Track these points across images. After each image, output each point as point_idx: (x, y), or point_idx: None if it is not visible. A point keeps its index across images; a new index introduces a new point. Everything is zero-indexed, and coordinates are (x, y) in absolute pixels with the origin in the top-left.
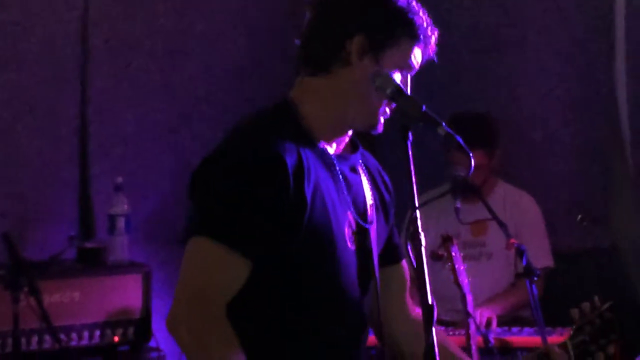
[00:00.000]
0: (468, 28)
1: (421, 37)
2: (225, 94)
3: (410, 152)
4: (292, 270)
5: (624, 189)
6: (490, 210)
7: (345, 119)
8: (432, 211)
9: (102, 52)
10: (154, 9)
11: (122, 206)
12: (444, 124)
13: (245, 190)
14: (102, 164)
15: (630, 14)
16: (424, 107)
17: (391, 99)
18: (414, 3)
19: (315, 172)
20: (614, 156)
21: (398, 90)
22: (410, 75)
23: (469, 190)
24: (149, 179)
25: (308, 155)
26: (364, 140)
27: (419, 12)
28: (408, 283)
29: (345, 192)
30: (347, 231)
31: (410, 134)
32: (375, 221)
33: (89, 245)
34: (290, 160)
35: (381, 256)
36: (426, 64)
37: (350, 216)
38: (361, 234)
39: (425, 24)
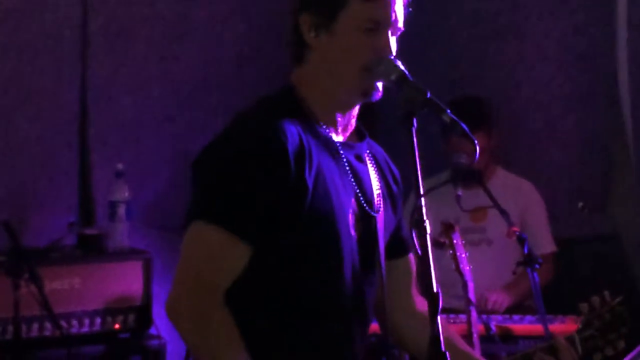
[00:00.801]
0: (468, 14)
1: None
2: (224, 81)
3: (415, 139)
4: (293, 255)
5: (625, 176)
6: (491, 197)
7: (335, 98)
8: (432, 198)
9: (101, 39)
10: None
11: (122, 193)
12: (448, 110)
13: (245, 175)
14: (102, 151)
15: (631, 1)
16: (428, 94)
17: (395, 85)
18: None
19: (318, 158)
20: (614, 144)
21: (402, 76)
22: (395, 33)
23: (470, 177)
24: (148, 166)
25: (310, 141)
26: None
27: None
28: (414, 276)
29: (351, 179)
30: (351, 218)
31: (415, 121)
32: (382, 210)
33: (89, 231)
34: (291, 146)
35: (388, 248)
36: (424, 51)
37: (354, 203)
38: (366, 221)
39: None
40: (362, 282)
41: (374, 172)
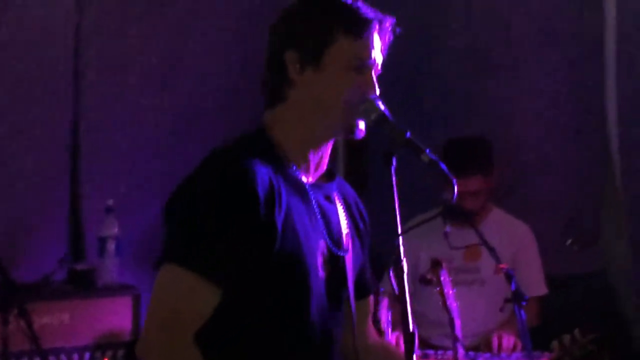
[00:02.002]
0: (460, 50)
1: (359, 29)
2: (218, 114)
3: (394, 179)
4: (262, 297)
5: (615, 212)
6: (480, 235)
7: (316, 136)
8: (425, 235)
9: (95, 70)
10: (147, 27)
11: (112, 228)
12: (427, 150)
13: (215, 217)
14: (94, 185)
15: (620, 37)
16: (408, 134)
17: (376, 125)
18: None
19: (287, 200)
20: (605, 180)
21: (382, 116)
22: (376, 72)
23: (461, 215)
24: (140, 201)
25: (280, 183)
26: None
27: (351, 6)
28: (370, 315)
29: (319, 220)
30: (320, 259)
31: (394, 160)
32: (350, 250)
33: (79, 267)
34: (261, 188)
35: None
36: (416, 88)
37: (323, 244)
38: (335, 261)
39: (362, 16)
40: (329, 321)
41: (342, 212)
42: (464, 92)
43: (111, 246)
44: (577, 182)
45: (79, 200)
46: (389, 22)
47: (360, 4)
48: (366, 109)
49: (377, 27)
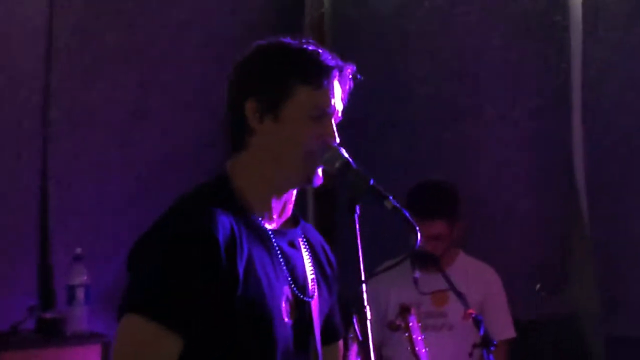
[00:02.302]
0: (426, 97)
1: (318, 79)
2: (184, 167)
3: (357, 226)
4: (226, 345)
5: (582, 258)
6: (447, 280)
7: (276, 185)
8: (393, 281)
9: (62, 124)
10: (113, 80)
11: (81, 277)
12: (391, 197)
13: (175, 266)
14: (62, 235)
15: (586, 84)
16: (372, 181)
17: (339, 173)
18: (307, 48)
19: (249, 247)
20: (571, 226)
21: (346, 164)
22: (336, 119)
23: (428, 261)
24: (108, 249)
25: (242, 231)
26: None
27: (310, 56)
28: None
29: (283, 267)
30: (285, 305)
31: (357, 208)
32: (316, 295)
33: (48, 315)
34: (222, 236)
35: (322, 332)
36: (383, 136)
37: (287, 290)
38: (300, 307)
39: (320, 66)
40: None
41: (308, 257)
42: (431, 140)
43: (80, 294)
44: (544, 228)
45: (48, 250)
46: (349, 70)
47: (320, 51)
48: (330, 157)
49: (336, 75)
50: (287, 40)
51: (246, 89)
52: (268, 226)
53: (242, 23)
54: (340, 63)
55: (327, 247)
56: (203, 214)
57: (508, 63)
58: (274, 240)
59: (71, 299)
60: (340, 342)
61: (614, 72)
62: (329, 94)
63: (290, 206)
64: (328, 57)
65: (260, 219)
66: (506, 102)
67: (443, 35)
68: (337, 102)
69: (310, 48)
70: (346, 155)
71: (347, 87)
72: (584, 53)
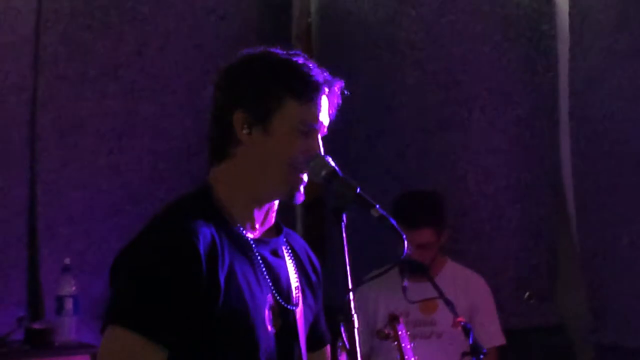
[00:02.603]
0: (412, 107)
1: (307, 94)
2: (173, 174)
3: (344, 234)
4: (209, 355)
5: (570, 265)
6: (436, 288)
7: (258, 196)
8: (382, 290)
9: (50, 133)
10: (101, 90)
11: (69, 287)
12: (377, 206)
13: (157, 279)
14: (51, 245)
15: (573, 93)
16: (358, 189)
17: (325, 181)
18: (296, 61)
19: (231, 257)
20: (559, 233)
21: (333, 173)
22: (322, 134)
23: (417, 269)
24: (97, 259)
25: (223, 240)
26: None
27: (301, 70)
28: None
29: (266, 275)
30: (268, 314)
31: (344, 216)
32: (301, 303)
33: (36, 326)
34: (202, 247)
35: (307, 340)
36: (371, 145)
37: (270, 299)
38: (284, 316)
39: (310, 81)
40: None
41: (291, 264)
42: (419, 148)
43: (68, 305)
44: (532, 237)
45: (37, 260)
46: (337, 85)
47: (310, 65)
48: (316, 165)
49: (325, 90)
50: (276, 50)
51: (235, 100)
52: (250, 235)
53: (229, 32)
54: (329, 78)
55: (311, 253)
56: (184, 226)
57: (495, 71)
58: (255, 249)
59: (60, 309)
60: (328, 349)
61: (601, 81)
62: (317, 108)
63: (273, 215)
64: (318, 72)
65: (241, 228)
66: (494, 110)
67: (430, 43)
68: (324, 117)
69: (300, 61)
70: (332, 163)
71: (335, 102)
72: (571, 61)
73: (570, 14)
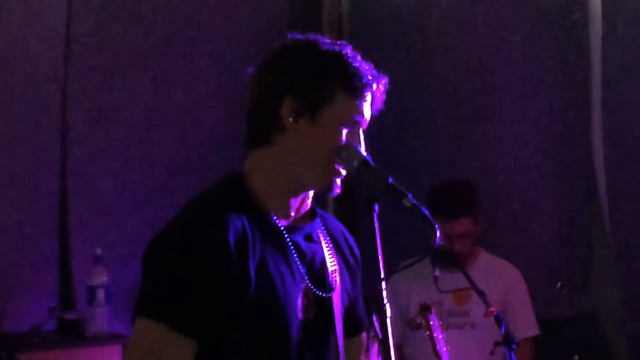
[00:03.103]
0: (445, 96)
1: (361, 90)
2: (203, 165)
3: (376, 224)
4: (240, 345)
5: (603, 256)
6: (468, 278)
7: (296, 186)
8: (414, 280)
9: (81, 124)
10: (132, 80)
11: (101, 277)
12: (410, 195)
13: (186, 269)
14: (82, 236)
15: (606, 83)
16: (390, 179)
17: (357, 171)
18: (348, 54)
19: (262, 247)
20: (592, 224)
21: (364, 162)
22: (363, 128)
23: (449, 259)
24: (128, 249)
25: (255, 230)
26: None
27: (353, 64)
28: (363, 352)
29: (299, 263)
30: (300, 303)
31: (376, 206)
32: (338, 287)
33: (68, 316)
34: (233, 237)
35: (344, 325)
36: (403, 133)
37: (304, 287)
38: (319, 304)
39: (362, 76)
40: None
41: (327, 249)
42: (450, 139)
43: (100, 295)
44: (564, 227)
45: (68, 250)
46: (383, 82)
47: (359, 61)
48: (348, 155)
49: (373, 87)
50: (325, 40)
51: (286, 86)
52: (283, 223)
53: (260, 22)
54: (376, 75)
55: (348, 235)
56: (214, 216)
57: (527, 61)
58: (287, 238)
59: (91, 299)
60: (364, 336)
61: (635, 70)
62: (365, 106)
63: (309, 201)
64: (368, 68)
65: (274, 216)
66: (526, 100)
67: (462, 33)
68: (368, 113)
69: (350, 55)
70: (364, 153)
71: (379, 99)
72: (604, 50)
73: (603, 2)
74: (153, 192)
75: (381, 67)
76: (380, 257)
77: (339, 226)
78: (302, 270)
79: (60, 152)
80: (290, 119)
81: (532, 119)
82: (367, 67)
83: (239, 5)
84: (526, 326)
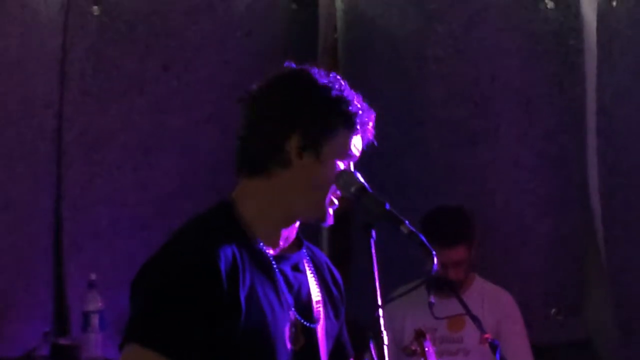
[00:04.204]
0: (439, 122)
1: (358, 125)
2: (200, 189)
3: (373, 251)
4: None
5: (598, 281)
6: (463, 305)
7: (289, 215)
8: (410, 306)
9: (76, 148)
10: (128, 105)
11: (95, 303)
12: (407, 222)
13: (177, 297)
14: (76, 260)
15: (600, 109)
16: (387, 205)
17: (355, 197)
18: (346, 92)
19: (251, 275)
20: (588, 249)
21: (362, 188)
22: (353, 162)
23: (444, 286)
24: (122, 275)
25: (244, 258)
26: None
27: (352, 101)
28: None
29: (286, 293)
30: (288, 332)
31: (373, 232)
32: (323, 318)
33: (63, 341)
34: (224, 265)
35: (331, 354)
36: (398, 159)
37: (292, 316)
38: (306, 333)
39: (360, 111)
40: None
41: (313, 279)
42: (445, 163)
43: (95, 321)
44: (560, 251)
45: (63, 275)
46: (372, 116)
47: (354, 95)
48: (345, 181)
49: (366, 121)
50: (320, 72)
51: (292, 123)
52: (271, 252)
53: (256, 47)
54: (369, 109)
55: (333, 267)
56: (205, 244)
57: (523, 86)
58: (275, 267)
59: (86, 325)
60: None
61: (629, 97)
62: (360, 139)
63: (295, 231)
64: (360, 103)
65: (263, 245)
66: (521, 125)
67: (458, 58)
68: (360, 148)
69: (347, 90)
70: (361, 179)
71: (370, 132)
72: (599, 77)
73: (598, 29)
74: (148, 217)
75: (376, 91)
76: (377, 283)
77: (323, 257)
78: (289, 300)
79: (55, 176)
80: (295, 155)
81: (527, 144)
82: (361, 103)
83: (234, 30)
84: (520, 354)
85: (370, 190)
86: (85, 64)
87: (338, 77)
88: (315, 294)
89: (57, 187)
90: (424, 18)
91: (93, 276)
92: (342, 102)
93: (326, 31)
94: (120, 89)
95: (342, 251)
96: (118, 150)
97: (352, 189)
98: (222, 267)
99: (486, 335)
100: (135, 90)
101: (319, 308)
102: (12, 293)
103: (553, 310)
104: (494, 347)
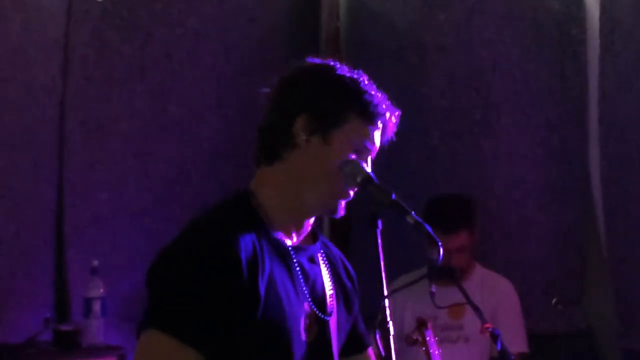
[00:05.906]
0: (441, 111)
1: (373, 117)
2: (199, 177)
3: (379, 241)
4: None
5: (598, 271)
6: (464, 294)
7: (302, 205)
8: (410, 295)
9: (78, 135)
10: (129, 91)
11: (97, 289)
12: (413, 212)
13: (197, 284)
14: (77, 246)
15: (602, 98)
16: (393, 195)
17: (361, 186)
18: (364, 82)
19: (270, 265)
20: (588, 239)
21: (368, 178)
22: (371, 158)
23: (445, 274)
24: (124, 261)
25: (263, 247)
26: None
27: (369, 91)
28: None
29: (302, 284)
30: (304, 323)
31: (379, 222)
32: (335, 311)
33: (64, 328)
34: (244, 254)
35: (346, 346)
36: (400, 147)
37: (307, 308)
38: (320, 325)
39: (377, 104)
40: None
41: (326, 272)
42: (447, 153)
43: (96, 307)
44: (560, 242)
45: (64, 262)
46: (396, 114)
47: (375, 89)
48: (351, 171)
49: (386, 117)
50: (342, 67)
51: (301, 103)
52: (289, 242)
53: (258, 35)
54: (391, 106)
55: (346, 261)
56: (226, 232)
57: (524, 76)
58: (294, 257)
59: (88, 311)
60: (371, 352)
61: (631, 86)
62: (376, 132)
63: (310, 222)
64: (382, 99)
65: (281, 235)
66: (522, 115)
67: (459, 47)
68: (378, 142)
69: (367, 82)
70: (367, 169)
71: (391, 130)
72: (601, 66)
73: (600, 18)
74: (150, 203)
75: (378, 80)
76: (383, 273)
77: (336, 252)
78: (305, 292)
79: (57, 163)
80: (303, 137)
81: (528, 134)
82: (381, 97)
83: (237, 18)
84: (515, 342)
85: (377, 180)
86: (87, 51)
87: (361, 73)
88: (329, 287)
89: (59, 174)
90: (425, 6)
91: (95, 262)
92: (355, 89)
93: (328, 19)
94: (122, 76)
95: (342, 242)
96: (119, 137)
97: (359, 179)
98: (243, 256)
99: (487, 325)
100: (137, 76)
101: (332, 301)
102: (14, 279)
103: (553, 299)
104: (494, 336)
